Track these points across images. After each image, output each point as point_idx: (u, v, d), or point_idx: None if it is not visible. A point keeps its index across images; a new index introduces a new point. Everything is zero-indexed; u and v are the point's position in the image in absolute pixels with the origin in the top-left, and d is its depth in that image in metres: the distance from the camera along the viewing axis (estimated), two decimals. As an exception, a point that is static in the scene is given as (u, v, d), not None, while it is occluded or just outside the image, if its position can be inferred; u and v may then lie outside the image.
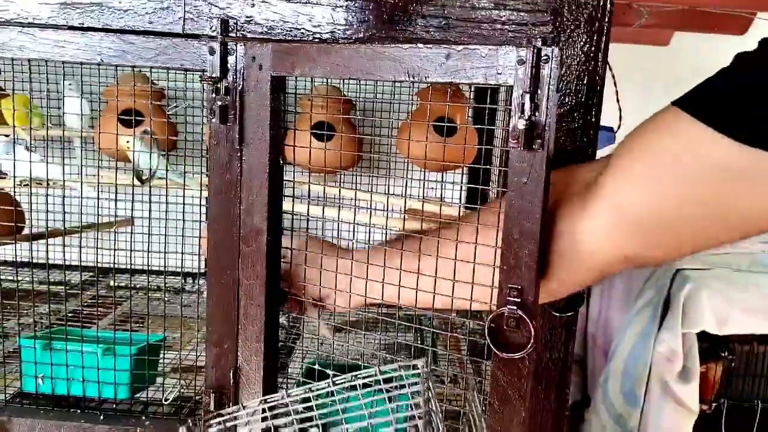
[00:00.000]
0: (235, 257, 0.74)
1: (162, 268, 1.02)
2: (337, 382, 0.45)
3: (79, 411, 0.81)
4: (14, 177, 1.13)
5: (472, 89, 1.43)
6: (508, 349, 0.60)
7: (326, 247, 0.77)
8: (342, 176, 1.48)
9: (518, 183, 0.60)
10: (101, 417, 0.80)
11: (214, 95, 0.73)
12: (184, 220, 1.05)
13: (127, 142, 1.18)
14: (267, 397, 0.47)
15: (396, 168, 1.43)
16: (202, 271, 1.54)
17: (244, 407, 0.46)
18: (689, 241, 0.57)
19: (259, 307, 0.74)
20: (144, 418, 0.81)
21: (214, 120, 0.73)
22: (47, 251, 1.36)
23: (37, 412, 0.81)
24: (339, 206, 0.94)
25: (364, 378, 0.44)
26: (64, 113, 1.36)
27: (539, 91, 0.59)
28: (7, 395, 0.86)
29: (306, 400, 0.47)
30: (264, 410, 0.45)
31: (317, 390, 0.47)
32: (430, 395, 0.37)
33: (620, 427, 1.29)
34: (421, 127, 1.27)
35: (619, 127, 0.95)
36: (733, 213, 0.53)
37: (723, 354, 1.24)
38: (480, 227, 0.63)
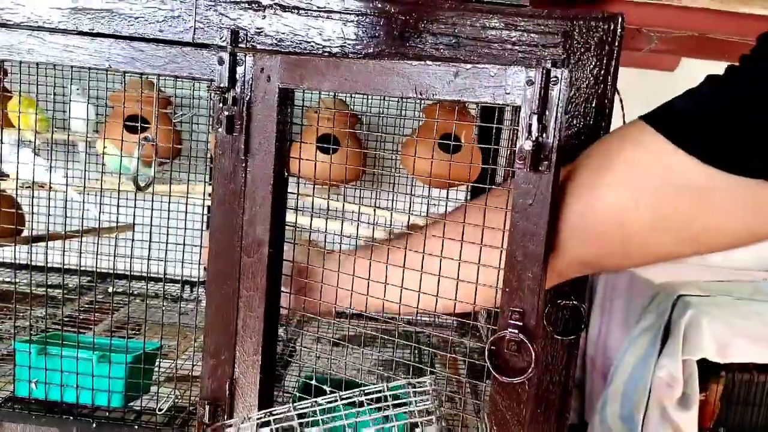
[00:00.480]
0: (236, 268, 0.74)
1: (161, 275, 1.02)
2: (342, 398, 0.44)
3: (71, 417, 0.80)
4: (17, 179, 1.12)
5: (479, 108, 1.43)
6: (508, 373, 0.59)
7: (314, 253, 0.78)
8: (345, 190, 1.48)
9: (523, 204, 0.60)
10: (93, 425, 0.79)
11: (221, 105, 0.73)
12: (185, 228, 1.05)
13: (105, 147, 1.17)
14: (273, 409, 0.46)
15: (399, 183, 1.43)
16: (202, 279, 1.53)
17: (249, 418, 0.46)
18: (651, 250, 0.58)
19: (258, 319, 0.74)
20: (137, 427, 0.80)
21: (220, 130, 0.73)
22: (46, 254, 1.36)
23: (29, 417, 0.80)
24: (342, 219, 0.94)
25: (371, 394, 0.43)
26: (69, 117, 1.36)
27: (547, 113, 0.58)
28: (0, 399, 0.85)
29: (312, 414, 0.46)
30: (269, 422, 0.45)
31: (323, 404, 0.46)
32: (439, 413, 0.36)
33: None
34: (426, 144, 1.27)
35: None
36: (696, 227, 0.53)
37: (722, 381, 1.23)
38: (466, 225, 0.63)
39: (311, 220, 0.81)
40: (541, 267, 0.59)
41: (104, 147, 1.11)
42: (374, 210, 1.19)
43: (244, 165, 0.73)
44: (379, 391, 0.43)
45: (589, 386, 1.53)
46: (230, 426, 0.46)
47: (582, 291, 0.72)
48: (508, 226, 0.61)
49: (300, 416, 0.46)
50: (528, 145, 0.58)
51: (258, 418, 0.46)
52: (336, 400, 0.44)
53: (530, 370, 0.58)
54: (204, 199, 1.16)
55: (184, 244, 1.03)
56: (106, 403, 0.80)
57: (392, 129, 1.47)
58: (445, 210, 1.20)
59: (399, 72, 0.63)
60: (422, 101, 1.38)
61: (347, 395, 0.44)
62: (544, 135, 0.58)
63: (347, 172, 1.30)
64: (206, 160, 1.53)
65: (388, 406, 0.41)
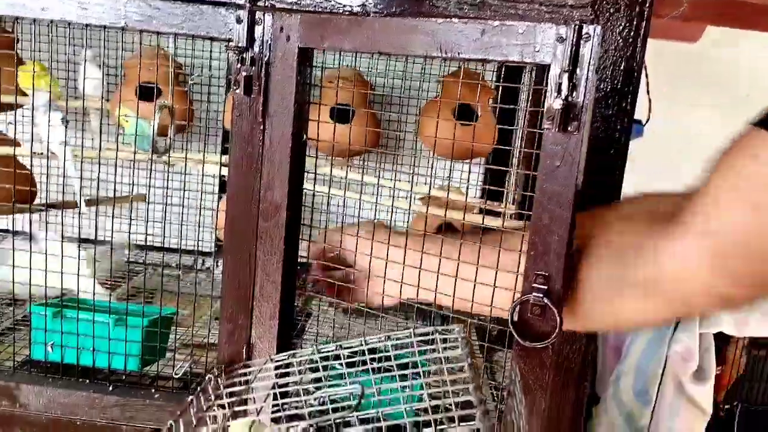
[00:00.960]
0: (253, 232, 0.73)
1: (176, 246, 1.01)
2: (367, 342, 0.43)
3: (87, 381, 0.80)
4: (48, 142, 1.10)
5: (494, 80, 1.41)
6: (532, 338, 0.58)
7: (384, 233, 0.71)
8: (359, 161, 1.46)
9: (551, 166, 0.58)
10: (110, 388, 0.79)
11: (239, 65, 0.71)
12: (202, 196, 1.03)
13: (125, 115, 1.16)
14: (296, 351, 0.45)
15: (413, 155, 1.41)
16: (215, 249, 1.53)
17: (272, 359, 0.45)
18: None
19: (274, 284, 0.73)
20: (153, 390, 0.80)
21: (237, 91, 0.71)
22: (62, 222, 1.35)
23: (45, 380, 0.80)
24: (361, 189, 0.92)
25: (398, 339, 0.42)
26: (84, 83, 1.34)
27: (578, 71, 0.56)
28: (16, 362, 0.85)
29: (336, 357, 0.45)
30: (291, 364, 0.44)
31: (347, 348, 0.45)
32: (471, 360, 0.35)
33: (630, 426, 1.28)
34: (442, 114, 1.25)
35: (648, 120, 0.92)
36: None
37: (738, 355, 1.22)
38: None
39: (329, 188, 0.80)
40: (567, 230, 0.57)
41: (120, 113, 1.10)
42: (393, 182, 1.18)
43: (261, 127, 0.71)
44: (407, 336, 0.42)
45: (600, 361, 1.53)
46: (249, 367, 0.45)
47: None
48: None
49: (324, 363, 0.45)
50: (557, 104, 0.57)
51: (280, 360, 0.45)
52: (361, 344, 0.43)
53: (554, 334, 0.57)
54: (220, 168, 1.15)
55: (199, 215, 1.02)
56: (123, 366, 0.80)
57: (406, 100, 1.45)
58: (467, 179, 1.17)
59: (423, 30, 0.61)
60: (441, 71, 1.36)
61: (373, 339, 0.43)
62: (574, 94, 0.57)
63: (360, 142, 1.28)
64: (217, 129, 1.52)
65: (413, 352, 0.40)
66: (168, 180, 1.07)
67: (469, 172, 1.34)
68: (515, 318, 0.59)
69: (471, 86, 1.24)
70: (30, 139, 1.26)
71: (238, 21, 0.70)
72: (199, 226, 1.17)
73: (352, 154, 1.34)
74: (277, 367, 0.44)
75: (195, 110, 1.45)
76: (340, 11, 0.71)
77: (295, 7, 0.75)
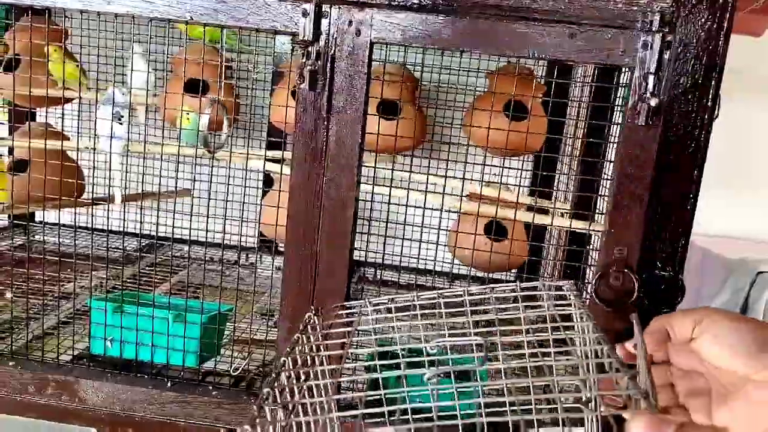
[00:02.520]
0: (316, 229, 0.72)
1: (218, 241, 1.00)
2: (471, 292, 0.42)
3: (146, 376, 0.80)
4: (95, 136, 1.11)
5: (544, 75, 1.38)
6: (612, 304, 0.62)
7: None
8: (403, 157, 1.44)
9: (632, 154, 0.64)
10: (168, 384, 0.79)
11: (304, 59, 0.70)
12: (244, 193, 1.03)
13: (187, 113, 1.16)
14: (394, 296, 0.44)
15: (459, 152, 1.39)
16: (258, 245, 1.53)
17: (371, 302, 0.44)
18: None
19: (338, 282, 0.72)
20: (211, 387, 0.80)
21: (302, 86, 0.70)
22: (108, 217, 1.37)
23: (105, 374, 0.80)
24: (408, 185, 0.91)
25: (501, 291, 0.41)
26: (131, 79, 1.35)
27: (660, 73, 0.61)
28: (72, 355, 0.85)
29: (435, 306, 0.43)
30: (390, 310, 0.43)
31: (448, 297, 0.43)
32: (587, 316, 0.33)
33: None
34: (489, 110, 1.23)
35: (716, 117, 0.89)
36: None
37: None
38: None
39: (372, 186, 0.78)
40: (644, 208, 0.63)
41: (180, 109, 1.10)
42: (445, 178, 1.16)
43: (326, 123, 0.70)
44: (512, 290, 0.41)
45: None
46: (349, 312, 0.43)
47: (681, 262, 0.68)
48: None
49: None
50: (641, 103, 0.62)
51: (377, 304, 0.44)
52: (462, 294, 0.42)
53: (634, 296, 0.60)
54: (264, 164, 1.14)
55: (241, 210, 1.02)
56: (181, 362, 0.80)
57: (453, 97, 1.42)
58: (519, 175, 1.14)
59: (512, 31, 0.61)
60: (487, 66, 1.34)
61: (475, 291, 0.42)
62: (655, 93, 0.62)
63: (408, 139, 1.26)
64: (262, 124, 1.51)
65: (518, 308, 0.38)
66: (213, 175, 1.07)
67: (521, 169, 1.32)
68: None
69: (522, 82, 1.21)
70: (79, 133, 1.27)
71: (304, 14, 0.69)
72: (241, 221, 1.17)
73: (398, 151, 1.32)
74: (375, 311, 0.43)
75: (241, 106, 1.45)
76: (415, 7, 0.69)
77: (364, 1, 0.74)
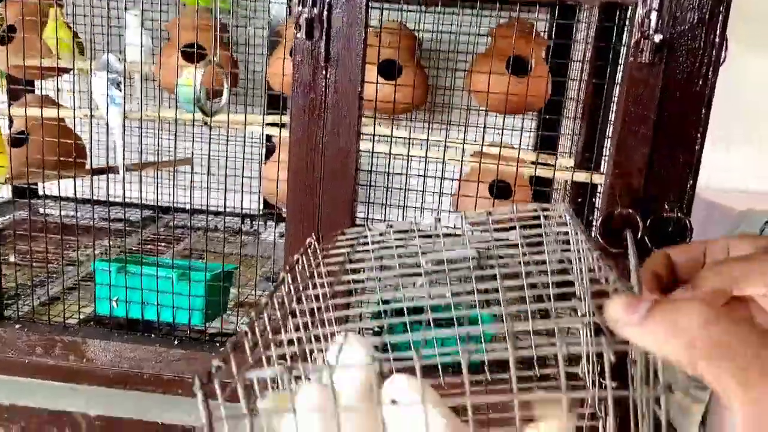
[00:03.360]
0: (317, 182, 0.71)
1: (221, 209, 1.00)
2: (468, 217, 0.41)
3: (152, 335, 0.80)
4: (91, 102, 1.09)
5: (547, 29, 1.35)
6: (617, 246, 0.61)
7: None
8: (406, 118, 1.43)
9: (636, 93, 0.62)
10: (175, 342, 0.79)
11: (300, 8, 0.68)
12: (244, 158, 1.02)
13: (188, 76, 1.14)
14: (392, 223, 0.44)
15: (461, 108, 1.37)
16: (261, 212, 1.52)
17: (370, 229, 0.43)
18: None
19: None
20: (218, 344, 0.80)
21: (299, 35, 0.69)
22: (108, 188, 1.36)
23: (111, 334, 0.80)
24: (409, 144, 0.90)
25: (499, 215, 0.40)
26: (125, 46, 1.33)
27: (663, 10, 0.59)
28: (78, 319, 0.86)
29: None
30: (388, 233, 0.42)
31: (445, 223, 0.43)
32: (585, 239, 0.33)
33: (694, 380, 1.25)
34: (494, 67, 1.21)
35: (723, 60, 0.87)
36: None
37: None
38: None
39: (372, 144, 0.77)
40: (649, 148, 0.62)
41: (188, 77, 1.08)
42: (445, 135, 1.14)
43: (324, 72, 0.69)
44: (508, 214, 0.40)
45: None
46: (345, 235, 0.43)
47: (689, 203, 0.67)
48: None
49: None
50: (644, 40, 0.61)
51: (377, 230, 0.43)
52: (460, 218, 0.41)
53: (638, 238, 0.59)
54: (263, 129, 1.13)
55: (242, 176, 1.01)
56: (187, 321, 0.80)
57: (455, 55, 1.40)
58: (520, 133, 1.12)
59: None
60: (489, 22, 1.31)
61: (473, 216, 0.41)
62: (659, 30, 0.61)
63: (409, 98, 1.24)
64: (263, 88, 1.50)
65: (514, 227, 0.38)
66: (212, 142, 1.06)
67: (522, 128, 1.30)
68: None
69: (524, 37, 1.19)
70: (79, 102, 1.26)
71: (299, -40, 0.67)
72: (242, 188, 1.16)
73: (400, 111, 1.31)
74: (373, 235, 0.42)
75: (238, 71, 1.43)
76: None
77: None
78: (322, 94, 0.69)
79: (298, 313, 0.36)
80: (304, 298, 0.35)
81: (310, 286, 0.35)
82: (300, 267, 0.38)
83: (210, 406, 0.26)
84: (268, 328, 0.33)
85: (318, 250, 0.41)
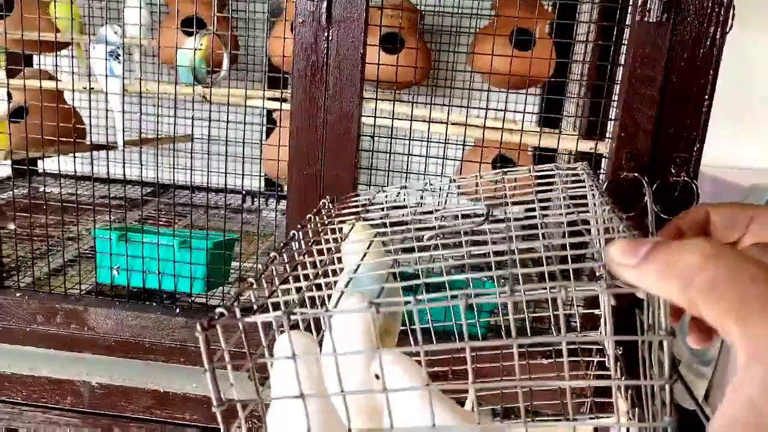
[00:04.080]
0: (319, 146, 0.70)
1: (222, 186, 0.99)
2: (484, 176, 0.40)
3: (154, 304, 0.80)
4: (106, 85, 1.08)
5: (550, 3, 1.34)
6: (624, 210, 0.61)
7: None
8: (408, 93, 1.42)
9: (643, 53, 0.61)
10: (177, 310, 0.78)
11: (301, -33, 0.67)
12: (244, 133, 1.01)
13: (187, 47, 1.12)
14: (405, 185, 0.43)
15: (464, 84, 1.36)
16: (262, 190, 1.52)
17: (383, 189, 0.43)
18: None
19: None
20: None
21: (301, -4, 0.68)
22: (108, 164, 1.35)
23: (113, 303, 0.80)
24: (410, 118, 0.88)
25: (514, 173, 0.39)
26: (123, 21, 1.32)
27: None
28: (83, 289, 0.85)
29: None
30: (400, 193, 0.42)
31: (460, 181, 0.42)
32: (603, 200, 0.32)
33: (697, 357, 1.24)
34: (497, 41, 1.19)
35: (730, 28, 0.85)
36: None
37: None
38: None
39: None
40: (656, 110, 0.61)
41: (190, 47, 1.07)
42: (448, 111, 1.13)
43: (326, 34, 0.68)
44: (527, 171, 0.39)
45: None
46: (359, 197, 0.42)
47: (696, 167, 0.66)
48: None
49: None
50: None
51: (390, 191, 0.43)
52: (475, 178, 0.41)
53: (644, 200, 0.58)
54: (264, 103, 1.12)
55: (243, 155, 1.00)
56: (188, 289, 0.79)
57: (457, 29, 1.39)
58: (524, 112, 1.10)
59: None
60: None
61: (488, 175, 0.40)
62: None
63: (412, 73, 1.23)
64: (264, 65, 1.48)
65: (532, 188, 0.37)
66: (212, 120, 1.04)
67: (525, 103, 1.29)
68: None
69: (528, 9, 1.17)
70: (78, 78, 1.24)
71: None
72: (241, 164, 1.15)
73: (402, 87, 1.29)
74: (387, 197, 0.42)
75: (240, 47, 1.42)
76: None
77: None
78: (324, 56, 0.68)
79: (308, 264, 0.35)
80: (315, 251, 0.34)
81: (322, 241, 0.35)
82: (312, 225, 0.37)
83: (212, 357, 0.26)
84: (276, 280, 0.33)
85: (331, 210, 0.40)
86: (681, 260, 0.22)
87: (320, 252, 0.35)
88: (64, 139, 1.04)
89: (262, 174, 1.46)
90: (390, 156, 0.74)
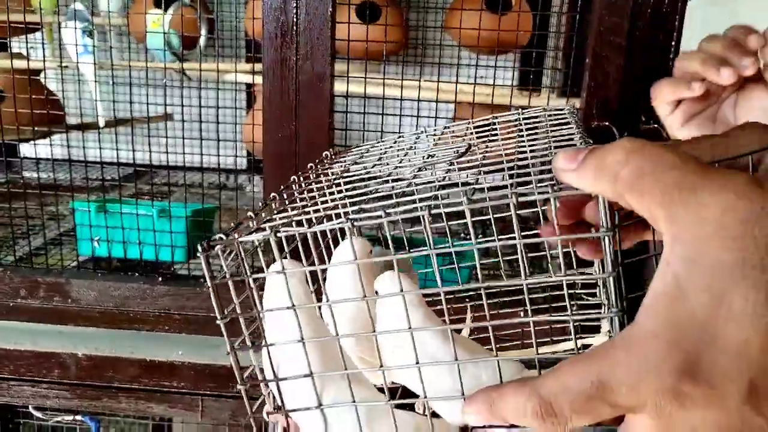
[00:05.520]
0: (293, 107, 0.70)
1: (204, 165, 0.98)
2: (475, 122, 0.41)
3: (136, 274, 0.80)
4: (78, 64, 1.07)
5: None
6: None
7: None
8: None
9: (608, 2, 0.62)
10: (159, 279, 0.79)
11: (267, -72, 0.67)
12: (218, 109, 1.00)
13: (155, 21, 1.11)
14: (401, 134, 0.44)
15: (443, 55, 1.35)
16: (244, 167, 1.51)
17: (382, 141, 0.44)
18: None
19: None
20: (203, 280, 0.80)
21: (267, -44, 0.67)
22: (84, 147, 1.33)
23: (95, 274, 0.80)
24: (401, 88, 0.88)
25: (504, 121, 0.40)
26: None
27: None
28: (62, 265, 0.85)
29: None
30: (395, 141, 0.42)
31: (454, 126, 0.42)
32: (584, 140, 0.33)
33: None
34: (471, 4, 1.19)
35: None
36: None
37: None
38: None
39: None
40: (623, 59, 0.62)
41: (154, 22, 1.06)
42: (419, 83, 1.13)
43: (295, -5, 0.68)
44: (513, 119, 0.40)
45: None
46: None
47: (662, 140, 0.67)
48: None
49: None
50: None
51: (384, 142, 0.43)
52: (468, 124, 0.41)
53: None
54: (236, 77, 1.11)
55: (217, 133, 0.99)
56: (170, 258, 0.80)
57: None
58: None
59: None
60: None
61: (479, 121, 0.41)
62: None
63: (390, 42, 1.23)
64: (238, 40, 1.47)
65: (522, 132, 0.37)
66: (192, 97, 1.04)
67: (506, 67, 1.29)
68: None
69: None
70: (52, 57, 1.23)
71: None
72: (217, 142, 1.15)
73: (380, 56, 1.29)
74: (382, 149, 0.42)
75: (216, 21, 1.40)
76: None
77: None
78: (294, 17, 0.68)
79: (307, 199, 0.36)
80: (315, 188, 0.35)
81: (324, 183, 0.35)
82: (313, 174, 0.38)
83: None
84: (275, 212, 0.33)
85: (333, 160, 0.41)
86: (608, 158, 0.23)
87: (318, 192, 0.36)
88: (40, 116, 1.04)
89: (237, 154, 1.45)
90: (364, 117, 0.75)
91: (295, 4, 0.67)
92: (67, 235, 1.01)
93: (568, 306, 0.26)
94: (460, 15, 1.17)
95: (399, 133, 0.48)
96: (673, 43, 0.65)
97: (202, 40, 1.09)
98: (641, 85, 0.66)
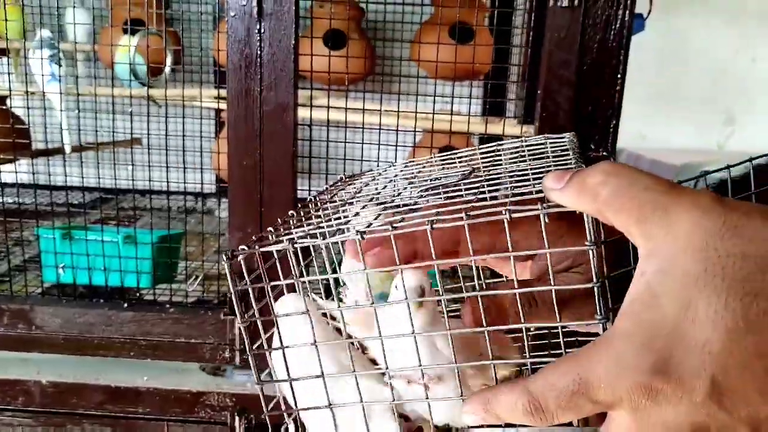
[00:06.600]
0: (257, 136, 0.72)
1: (172, 189, 0.99)
2: (481, 150, 0.42)
3: (102, 300, 0.81)
4: (43, 92, 1.07)
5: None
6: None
7: None
8: (353, 89, 1.44)
9: (558, 37, 0.66)
10: (125, 305, 0.79)
11: (231, -37, 0.69)
12: (184, 133, 1.02)
13: (123, 45, 1.12)
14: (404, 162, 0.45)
15: (410, 81, 1.39)
16: (212, 191, 1.52)
17: (393, 166, 0.45)
18: None
19: (284, 188, 0.72)
20: (168, 306, 0.81)
21: (231, -10, 0.70)
22: (49, 171, 1.33)
23: (59, 301, 0.80)
24: (363, 116, 0.91)
25: (510, 148, 0.41)
26: (65, 25, 1.31)
27: None
28: (26, 293, 0.85)
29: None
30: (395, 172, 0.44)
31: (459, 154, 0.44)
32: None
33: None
34: (436, 35, 1.23)
35: (649, 13, 0.91)
36: None
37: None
38: None
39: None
40: (573, 90, 0.66)
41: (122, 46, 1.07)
42: (380, 113, 1.15)
43: (258, 27, 0.70)
44: (517, 146, 0.41)
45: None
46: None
47: (613, 143, 0.71)
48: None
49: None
50: None
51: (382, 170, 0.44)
52: (474, 152, 0.42)
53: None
54: (201, 102, 1.13)
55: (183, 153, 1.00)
56: (135, 284, 0.80)
57: (400, 25, 1.42)
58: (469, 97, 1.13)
59: None
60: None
61: (484, 148, 0.42)
62: None
63: (356, 68, 1.26)
64: (206, 66, 1.49)
65: (525, 158, 0.39)
66: (162, 122, 1.04)
67: (470, 96, 1.33)
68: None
69: (467, 4, 1.21)
70: (19, 83, 1.23)
71: None
72: (183, 167, 1.16)
73: (348, 82, 1.32)
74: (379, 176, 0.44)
75: (185, 48, 1.42)
76: None
77: None
78: (258, 49, 0.70)
79: (322, 217, 0.38)
80: (329, 207, 0.37)
81: (338, 203, 0.37)
82: (328, 195, 0.40)
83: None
84: (293, 228, 0.34)
85: (346, 183, 0.43)
86: (589, 179, 0.26)
87: (333, 211, 0.37)
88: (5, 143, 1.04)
89: (204, 179, 1.45)
90: (327, 145, 0.77)
91: (258, 37, 0.69)
92: (31, 262, 1.01)
93: (557, 313, 0.29)
94: (419, 47, 1.22)
95: (387, 161, 0.50)
96: (619, 76, 0.69)
97: (167, 69, 1.10)
98: (590, 115, 0.70)
